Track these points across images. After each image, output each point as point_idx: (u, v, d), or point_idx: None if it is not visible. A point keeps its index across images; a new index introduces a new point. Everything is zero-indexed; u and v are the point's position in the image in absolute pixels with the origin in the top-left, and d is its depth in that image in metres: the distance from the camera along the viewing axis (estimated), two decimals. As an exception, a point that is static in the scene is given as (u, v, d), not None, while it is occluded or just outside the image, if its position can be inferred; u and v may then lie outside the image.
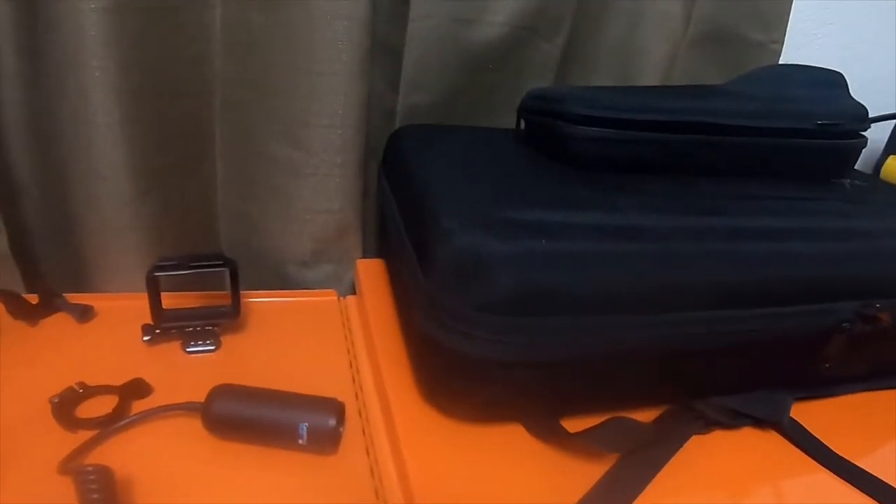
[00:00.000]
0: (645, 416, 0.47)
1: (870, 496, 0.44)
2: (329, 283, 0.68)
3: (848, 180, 0.61)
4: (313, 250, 0.66)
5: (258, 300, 0.62)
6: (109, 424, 0.44)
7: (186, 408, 0.45)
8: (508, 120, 0.67)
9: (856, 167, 0.64)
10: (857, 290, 0.47)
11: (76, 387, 0.47)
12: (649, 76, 0.73)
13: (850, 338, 0.47)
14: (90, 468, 0.36)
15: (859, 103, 0.59)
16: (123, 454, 0.42)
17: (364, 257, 0.70)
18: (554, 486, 0.42)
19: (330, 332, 0.60)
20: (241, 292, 0.56)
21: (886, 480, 0.45)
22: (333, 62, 0.58)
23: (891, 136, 0.84)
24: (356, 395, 0.51)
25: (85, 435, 0.43)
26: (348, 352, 0.57)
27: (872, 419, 0.52)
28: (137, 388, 0.48)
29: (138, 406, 0.47)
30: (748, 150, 0.56)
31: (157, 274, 0.51)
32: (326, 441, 0.44)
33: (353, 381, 0.53)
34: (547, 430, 0.45)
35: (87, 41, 0.52)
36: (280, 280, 0.67)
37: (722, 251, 0.44)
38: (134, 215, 0.59)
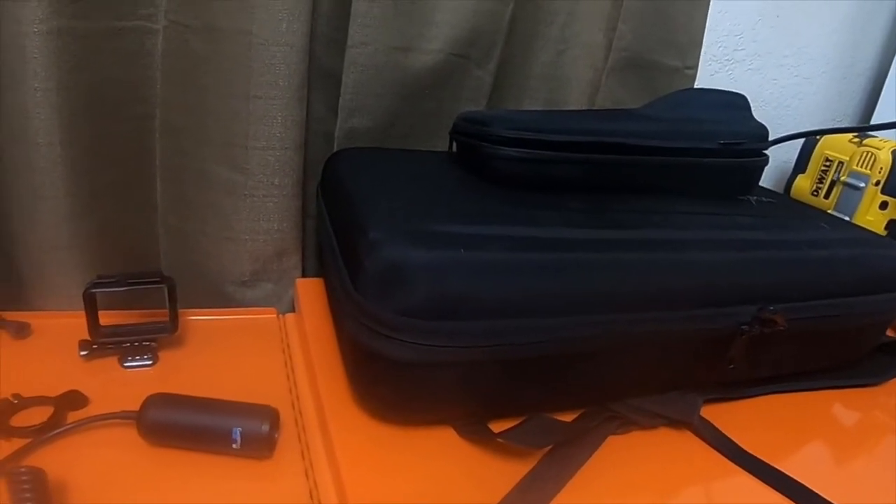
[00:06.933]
0: (566, 419, 0.49)
1: (775, 489, 0.47)
2: (269, 302, 0.69)
3: (755, 197, 0.65)
4: (252, 270, 0.67)
5: (198, 318, 0.63)
6: (44, 433, 0.44)
7: (121, 416, 0.46)
8: (443, 143, 0.70)
9: (769, 187, 0.68)
10: (755, 296, 0.50)
11: (11, 398, 0.47)
12: (576, 101, 0.78)
13: (750, 339, 0.51)
14: (23, 469, 0.36)
15: (760, 124, 0.63)
16: (58, 461, 0.43)
17: (305, 276, 0.72)
18: (481, 485, 0.43)
19: (269, 348, 0.61)
20: (182, 311, 0.57)
21: (789, 474, 0.48)
22: (271, 87, 0.60)
23: (798, 157, 0.89)
24: (293, 404, 0.53)
25: (19, 443, 0.44)
26: (286, 365, 0.58)
27: (778, 419, 0.56)
28: (73, 399, 0.48)
29: (74, 416, 0.47)
30: (657, 168, 0.59)
31: (93, 291, 0.52)
32: (261, 445, 0.45)
33: (291, 391, 0.54)
34: (475, 431, 0.48)
35: (29, 63, 0.53)
36: (220, 299, 0.68)
37: (629, 260, 0.47)
38: (73, 234, 0.60)
